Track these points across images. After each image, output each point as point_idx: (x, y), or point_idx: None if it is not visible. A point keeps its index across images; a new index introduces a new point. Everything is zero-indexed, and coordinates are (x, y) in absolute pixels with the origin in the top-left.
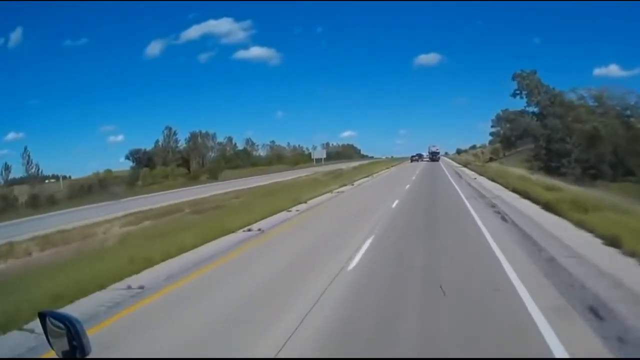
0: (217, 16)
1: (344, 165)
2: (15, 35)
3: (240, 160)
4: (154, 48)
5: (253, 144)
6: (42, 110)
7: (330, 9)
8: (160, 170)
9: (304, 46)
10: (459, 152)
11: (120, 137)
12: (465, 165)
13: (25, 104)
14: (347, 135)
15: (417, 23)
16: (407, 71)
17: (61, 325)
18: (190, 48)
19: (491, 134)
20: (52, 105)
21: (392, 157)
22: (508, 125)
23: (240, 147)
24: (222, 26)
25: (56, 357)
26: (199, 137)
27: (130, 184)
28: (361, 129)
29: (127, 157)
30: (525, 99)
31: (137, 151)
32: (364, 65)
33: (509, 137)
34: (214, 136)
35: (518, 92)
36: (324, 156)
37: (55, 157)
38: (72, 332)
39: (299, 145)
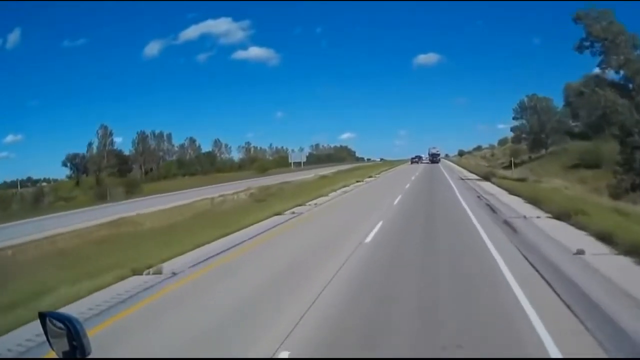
0: (215, 16)
1: (312, 173)
2: (14, 36)
3: (200, 165)
4: (153, 48)
5: (225, 145)
6: (41, 112)
7: (330, 9)
8: (85, 181)
9: (304, 46)
10: (461, 154)
11: (120, 139)
12: (486, 178)
13: (24, 105)
14: (346, 137)
15: (417, 23)
16: (406, 71)
17: (61, 325)
18: (188, 48)
19: (512, 128)
20: (51, 106)
21: (381, 159)
22: (536, 116)
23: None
24: (221, 26)
25: (56, 357)
26: (149, 139)
27: (37, 200)
28: (360, 131)
29: (64, 164)
30: (600, 57)
31: (75, 156)
32: (363, 66)
33: (537, 133)
34: (169, 137)
35: (587, 43)
36: (304, 160)
37: (55, 159)
38: (72, 332)
39: (282, 147)
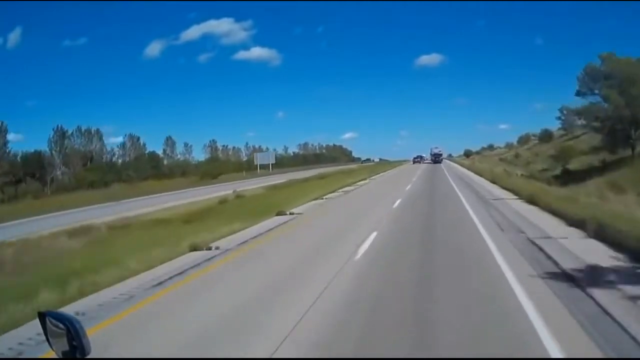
0: (217, 16)
1: (256, 183)
2: (14, 35)
3: (136, 169)
4: (154, 49)
5: (187, 145)
6: (40, 111)
7: (331, 10)
8: None
9: (305, 47)
10: (467, 154)
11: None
12: None
13: (23, 105)
14: (348, 137)
15: (418, 23)
16: (408, 72)
17: (61, 325)
18: (190, 48)
19: (579, 110)
20: (50, 106)
21: (380, 159)
22: (616, 90)
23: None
24: (223, 26)
25: (56, 357)
26: (73, 137)
27: None
28: (362, 130)
29: None
30: None
31: None
32: (365, 66)
33: (621, 120)
34: (99, 134)
35: None
36: (272, 161)
37: None
38: (72, 332)
39: (259, 147)
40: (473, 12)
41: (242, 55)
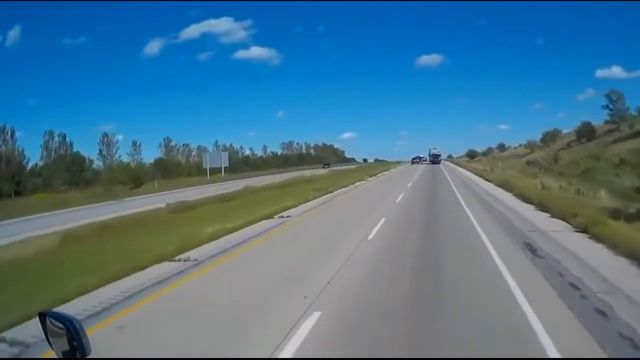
0: (217, 15)
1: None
2: (14, 34)
3: (50, 176)
4: (153, 47)
5: (135, 144)
6: (40, 110)
7: (331, 9)
8: None
9: (305, 46)
10: (471, 155)
11: (120, 136)
12: None
13: (23, 103)
14: (347, 137)
15: (419, 23)
16: (409, 72)
17: (61, 325)
18: (189, 47)
19: None
20: (50, 104)
21: (375, 160)
22: None
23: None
24: (222, 25)
25: (56, 357)
26: None
27: None
28: (362, 130)
29: None
30: None
31: None
32: (365, 66)
33: None
34: (5, 132)
35: None
36: (225, 164)
37: None
38: (72, 332)
39: (230, 145)
40: (474, 12)
41: (241, 54)
